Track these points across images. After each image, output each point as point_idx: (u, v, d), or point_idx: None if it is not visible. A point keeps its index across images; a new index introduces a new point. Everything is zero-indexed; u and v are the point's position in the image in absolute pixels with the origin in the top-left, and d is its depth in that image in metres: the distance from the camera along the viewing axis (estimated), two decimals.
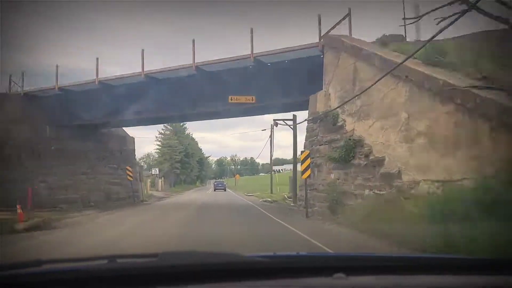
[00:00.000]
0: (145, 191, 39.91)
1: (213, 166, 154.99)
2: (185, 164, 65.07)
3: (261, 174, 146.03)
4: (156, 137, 63.70)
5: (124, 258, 1.69)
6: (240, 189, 56.91)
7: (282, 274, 1.52)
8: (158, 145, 63.87)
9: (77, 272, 1.46)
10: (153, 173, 54.57)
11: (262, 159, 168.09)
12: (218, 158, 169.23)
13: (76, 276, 1.43)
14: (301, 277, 1.53)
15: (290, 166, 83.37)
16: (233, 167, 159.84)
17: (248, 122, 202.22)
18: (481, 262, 1.82)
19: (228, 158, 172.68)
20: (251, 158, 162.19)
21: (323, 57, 14.85)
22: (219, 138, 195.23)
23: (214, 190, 52.92)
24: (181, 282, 1.43)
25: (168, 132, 65.33)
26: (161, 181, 53.85)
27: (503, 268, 1.64)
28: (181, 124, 68.10)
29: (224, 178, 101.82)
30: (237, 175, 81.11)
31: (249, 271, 1.53)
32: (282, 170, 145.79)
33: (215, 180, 78.73)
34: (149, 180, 42.09)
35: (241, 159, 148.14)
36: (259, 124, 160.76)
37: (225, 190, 52.30)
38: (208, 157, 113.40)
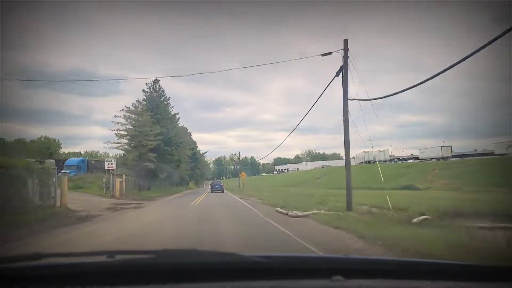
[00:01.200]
0: (59, 202, 17.92)
1: (211, 166, 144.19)
2: (165, 156, 42.33)
3: (263, 174, 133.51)
4: (121, 111, 41.04)
5: (123, 254, 1.65)
6: (252, 194, 34.97)
7: (281, 276, 1.49)
8: (123, 124, 40.90)
9: (75, 266, 1.46)
10: (106, 167, 32.38)
11: (259, 159, 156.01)
12: (217, 157, 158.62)
13: (74, 271, 1.42)
14: (299, 279, 1.48)
15: (296, 166, 68.17)
16: (232, 167, 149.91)
17: (247, 122, 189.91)
18: (480, 269, 1.78)
19: (227, 157, 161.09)
20: (252, 157, 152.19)
21: None
22: (219, 138, 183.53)
23: (211, 192, 46.74)
24: (178, 280, 1.39)
25: (140, 107, 42.71)
26: (120, 181, 31.68)
27: (502, 276, 1.60)
28: (160, 96, 45.92)
29: (222, 178, 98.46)
30: (243, 173, 59.97)
31: (247, 272, 1.49)
32: (286, 170, 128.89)
33: (212, 181, 69.25)
34: (66, 178, 19.46)
35: (240, 159, 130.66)
36: (258, 125, 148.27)
37: (222, 192, 47.15)
38: (205, 153, 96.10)
